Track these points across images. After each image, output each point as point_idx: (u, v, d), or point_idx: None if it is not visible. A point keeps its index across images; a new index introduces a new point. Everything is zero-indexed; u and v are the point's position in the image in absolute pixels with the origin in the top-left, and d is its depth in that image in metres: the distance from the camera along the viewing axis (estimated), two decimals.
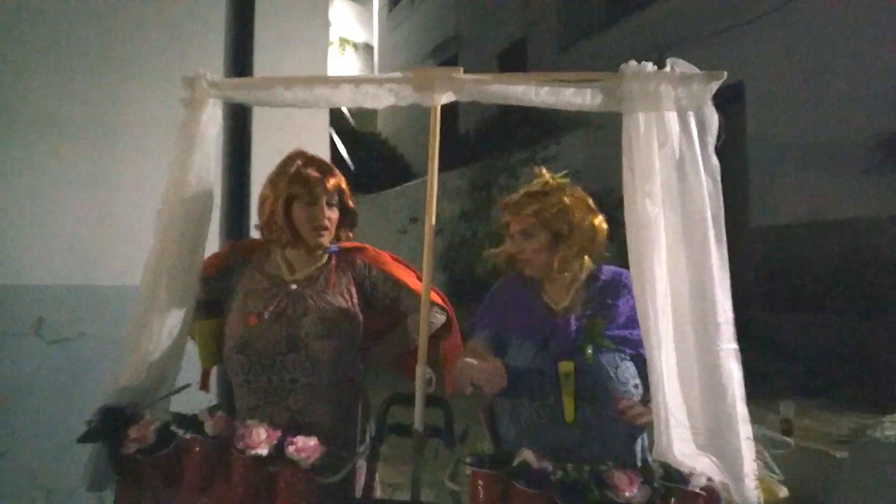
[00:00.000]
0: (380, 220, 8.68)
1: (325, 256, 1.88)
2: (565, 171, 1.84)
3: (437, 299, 1.85)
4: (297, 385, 1.72)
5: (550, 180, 1.81)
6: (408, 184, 9.62)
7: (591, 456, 1.56)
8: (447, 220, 8.63)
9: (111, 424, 1.50)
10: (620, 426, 1.64)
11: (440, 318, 1.92)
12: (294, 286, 1.79)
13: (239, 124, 3.09)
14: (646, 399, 1.62)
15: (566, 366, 1.62)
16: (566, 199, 1.76)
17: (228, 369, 1.78)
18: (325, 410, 1.75)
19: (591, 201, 1.82)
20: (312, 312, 1.75)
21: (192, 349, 1.85)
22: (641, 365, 1.59)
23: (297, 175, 1.76)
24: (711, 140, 1.52)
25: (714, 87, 1.51)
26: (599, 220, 1.79)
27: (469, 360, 1.60)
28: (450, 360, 1.94)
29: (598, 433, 1.63)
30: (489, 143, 9.18)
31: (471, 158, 9.26)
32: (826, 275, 5.82)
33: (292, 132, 2.71)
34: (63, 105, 2.74)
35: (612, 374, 1.64)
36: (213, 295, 1.84)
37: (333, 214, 1.80)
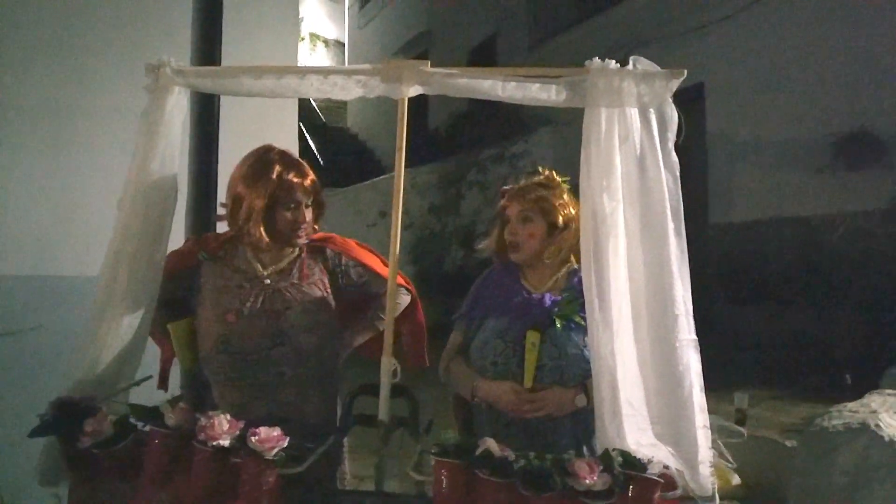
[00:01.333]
0: (350, 213, 8.62)
1: (296, 249, 1.88)
2: (568, 177, 1.89)
3: (401, 280, 1.88)
4: (284, 378, 1.72)
5: (555, 176, 1.89)
6: (377, 178, 9.58)
7: (543, 423, 1.68)
8: (417, 214, 8.63)
9: (65, 418, 1.47)
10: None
11: (405, 299, 1.97)
12: (268, 281, 1.79)
13: (206, 116, 3.04)
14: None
15: (534, 334, 1.72)
16: (566, 196, 1.85)
17: (208, 370, 1.76)
18: (313, 401, 1.77)
19: None
20: (295, 305, 1.76)
21: (152, 343, 1.82)
22: None
23: (280, 181, 1.75)
24: (671, 136, 1.56)
25: (675, 84, 1.54)
26: None
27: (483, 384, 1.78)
28: (414, 337, 2.01)
29: None
30: (459, 139, 9.21)
31: (441, 154, 9.28)
32: (781, 270, 6.01)
33: (261, 125, 2.69)
34: (21, 90, 2.65)
35: (580, 348, 1.72)
36: (180, 293, 1.82)
37: (310, 213, 1.83)
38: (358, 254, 1.93)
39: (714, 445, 1.63)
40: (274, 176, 1.75)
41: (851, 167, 5.40)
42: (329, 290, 1.86)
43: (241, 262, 1.82)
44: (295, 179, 1.77)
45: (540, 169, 1.93)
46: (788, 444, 3.38)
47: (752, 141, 6.29)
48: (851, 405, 3.00)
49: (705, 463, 1.54)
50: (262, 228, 1.74)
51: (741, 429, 1.89)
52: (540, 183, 1.87)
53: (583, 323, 1.71)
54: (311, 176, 1.83)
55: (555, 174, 1.90)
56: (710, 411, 1.61)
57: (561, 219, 1.82)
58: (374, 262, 1.95)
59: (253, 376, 1.71)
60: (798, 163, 5.78)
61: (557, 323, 1.74)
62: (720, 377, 4.31)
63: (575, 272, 1.87)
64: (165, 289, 1.72)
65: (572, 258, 1.88)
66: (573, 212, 1.83)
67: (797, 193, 5.88)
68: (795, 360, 5.31)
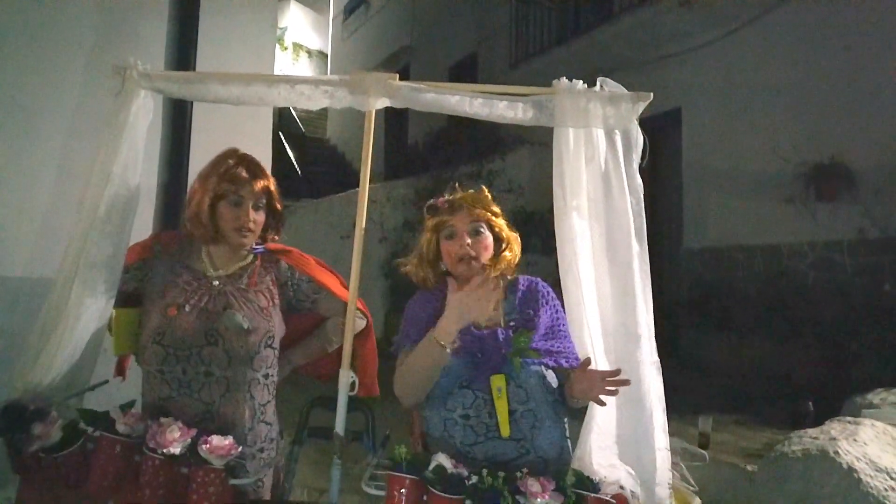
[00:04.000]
0: (324, 224, 8.55)
1: (250, 256, 1.86)
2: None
3: (359, 304, 1.85)
4: (211, 378, 1.69)
5: (485, 191, 1.81)
6: (352, 190, 9.56)
7: (528, 465, 1.51)
8: (391, 227, 8.61)
9: (12, 421, 1.44)
10: (554, 434, 1.62)
11: (360, 323, 1.91)
12: (216, 282, 1.77)
13: (178, 123, 3.01)
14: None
15: (498, 379, 1.58)
16: (498, 210, 1.76)
17: (142, 359, 1.73)
18: (238, 406, 1.71)
19: None
20: (234, 308, 1.73)
21: (107, 344, 1.79)
22: (560, 377, 1.62)
23: (227, 174, 1.74)
24: (636, 159, 1.59)
25: (640, 107, 1.57)
26: (517, 237, 1.78)
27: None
28: (365, 365, 1.93)
29: (532, 444, 1.58)
30: (437, 155, 9.24)
31: (418, 169, 9.30)
32: (749, 296, 6.10)
33: (234, 132, 2.65)
34: None
35: (542, 382, 1.62)
36: (132, 285, 1.79)
37: (259, 217, 1.79)
38: (314, 271, 1.89)
39: (676, 468, 1.64)
40: (223, 169, 1.75)
41: (821, 198, 5.52)
42: (276, 301, 1.82)
43: (194, 261, 1.81)
44: (243, 175, 1.75)
45: (483, 188, 1.82)
46: (749, 468, 3.42)
47: (725, 168, 6.41)
48: (812, 432, 3.05)
49: (663, 485, 1.55)
50: (207, 221, 1.73)
51: (704, 452, 1.89)
52: (474, 196, 1.75)
53: (540, 355, 1.62)
54: (267, 180, 1.80)
55: (485, 190, 1.79)
56: (673, 434, 1.62)
57: (502, 233, 1.72)
58: (330, 280, 1.90)
59: (182, 371, 1.68)
60: (768, 192, 5.89)
61: (515, 362, 1.60)
62: (685, 400, 4.36)
63: (514, 287, 1.76)
64: (121, 279, 1.72)
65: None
66: (507, 226, 1.75)
67: (768, 221, 5.99)
68: (760, 385, 5.38)
